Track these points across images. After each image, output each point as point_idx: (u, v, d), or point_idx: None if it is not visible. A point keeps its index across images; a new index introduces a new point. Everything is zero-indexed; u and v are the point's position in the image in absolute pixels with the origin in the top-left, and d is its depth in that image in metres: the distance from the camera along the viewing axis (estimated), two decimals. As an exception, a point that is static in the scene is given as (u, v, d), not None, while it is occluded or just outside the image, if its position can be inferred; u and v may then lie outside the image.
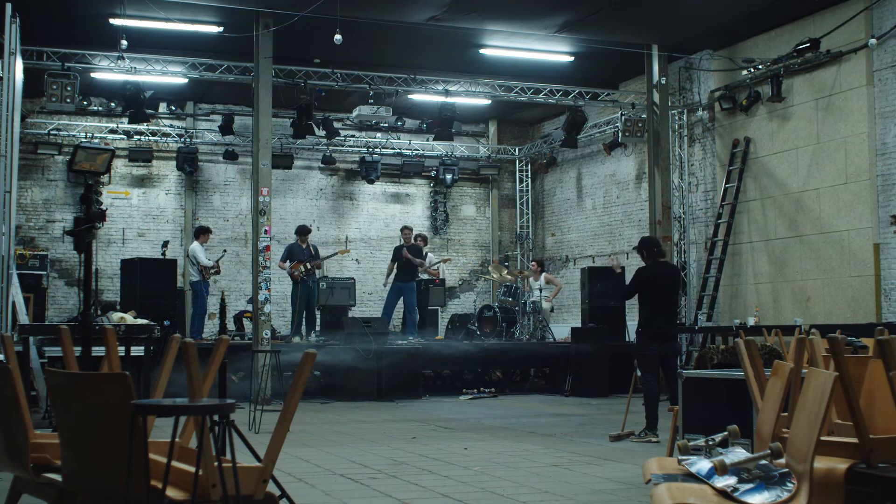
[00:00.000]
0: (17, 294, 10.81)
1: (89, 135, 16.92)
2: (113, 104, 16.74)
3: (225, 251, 16.35)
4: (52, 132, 16.90)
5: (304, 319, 15.10)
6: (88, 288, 6.09)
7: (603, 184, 18.11)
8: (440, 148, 19.13)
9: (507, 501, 5.91)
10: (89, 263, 6.00)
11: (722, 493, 3.45)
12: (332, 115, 16.97)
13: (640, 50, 14.96)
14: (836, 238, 12.83)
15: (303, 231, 15.33)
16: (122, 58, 13.59)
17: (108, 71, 14.18)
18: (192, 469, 3.60)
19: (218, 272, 15.18)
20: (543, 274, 16.58)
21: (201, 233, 15.18)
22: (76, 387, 3.70)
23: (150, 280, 13.63)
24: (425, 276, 15.91)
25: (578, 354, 14.30)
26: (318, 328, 15.31)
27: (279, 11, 12.97)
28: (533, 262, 17.07)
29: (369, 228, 19.20)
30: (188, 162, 17.39)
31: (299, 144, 17.98)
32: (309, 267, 14.84)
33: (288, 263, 14.91)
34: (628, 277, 16.05)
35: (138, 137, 17.42)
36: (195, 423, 3.91)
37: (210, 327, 16.48)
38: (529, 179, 20.25)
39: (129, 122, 15.20)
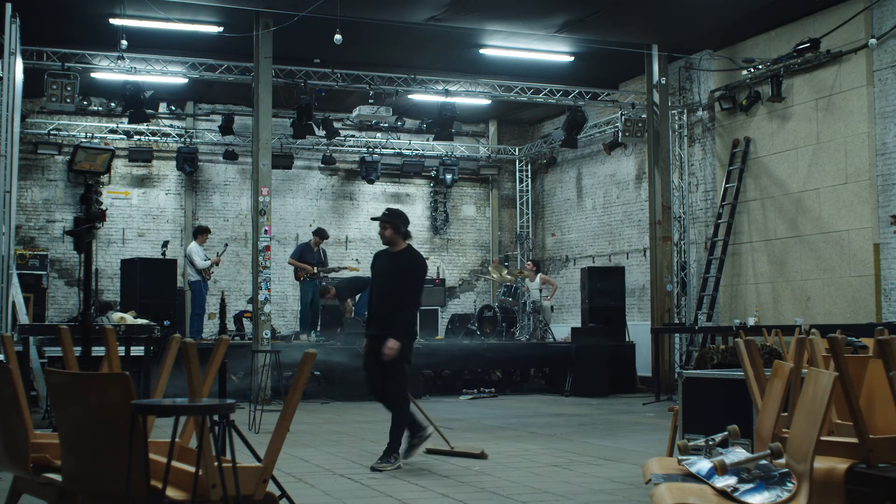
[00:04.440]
0: (17, 294, 10.81)
1: (89, 135, 16.92)
2: (113, 104, 16.73)
3: (226, 245, 16.39)
4: (52, 132, 16.90)
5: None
6: (88, 288, 6.09)
7: (603, 184, 18.11)
8: (440, 148, 19.12)
9: (507, 501, 5.91)
10: (89, 263, 6.00)
11: (722, 493, 3.45)
12: (332, 115, 16.97)
13: (640, 50, 14.96)
14: (836, 238, 12.83)
15: (321, 234, 15.45)
16: (122, 58, 13.58)
17: (108, 71, 14.18)
18: (192, 469, 3.60)
19: (217, 263, 15.22)
20: (539, 275, 16.61)
21: (199, 233, 15.20)
22: (76, 387, 3.70)
23: (150, 280, 13.63)
24: None
25: (578, 354, 14.31)
26: (318, 328, 15.32)
27: (279, 11, 12.97)
28: (528, 262, 17.08)
29: (369, 228, 19.18)
30: (188, 162, 17.39)
31: (299, 144, 17.99)
32: (316, 272, 15.03)
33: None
34: (628, 278, 16.25)
35: (138, 137, 17.41)
36: (195, 423, 3.91)
37: (210, 327, 16.48)
38: (529, 179, 20.25)
39: (129, 122, 15.19)
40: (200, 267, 14.79)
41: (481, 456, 7.68)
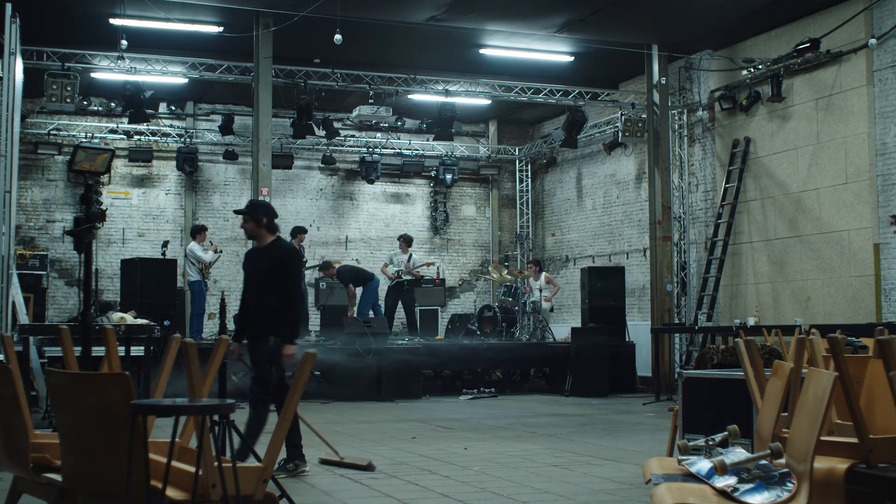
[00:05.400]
0: (17, 294, 10.82)
1: (89, 135, 16.92)
2: (113, 104, 16.74)
3: (221, 251, 16.23)
4: (52, 132, 16.89)
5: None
6: (88, 288, 6.09)
7: (603, 184, 18.11)
8: (440, 148, 19.13)
9: (507, 501, 5.91)
10: (89, 263, 6.00)
11: (722, 493, 3.45)
12: (332, 115, 16.97)
13: (640, 50, 14.96)
14: (836, 238, 12.83)
15: (303, 231, 15.55)
16: (122, 58, 13.59)
17: (108, 71, 14.18)
18: (192, 469, 3.60)
19: (216, 250, 15.26)
20: (543, 274, 16.62)
21: (197, 232, 15.23)
22: (76, 387, 3.71)
23: (150, 280, 13.62)
24: (408, 277, 16.00)
25: (578, 354, 14.31)
26: (317, 328, 15.35)
27: (279, 11, 12.98)
28: (530, 263, 17.09)
29: (369, 228, 19.20)
30: (188, 162, 17.40)
31: (299, 144, 17.99)
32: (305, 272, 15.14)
33: None
34: (628, 278, 16.25)
35: (138, 137, 17.41)
36: (195, 423, 3.91)
37: (210, 327, 16.47)
38: (529, 179, 20.26)
39: (129, 122, 15.19)
40: (208, 260, 14.85)
41: (368, 467, 7.16)
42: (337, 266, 15.60)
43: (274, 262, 6.94)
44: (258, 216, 7.01)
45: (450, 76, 15.65)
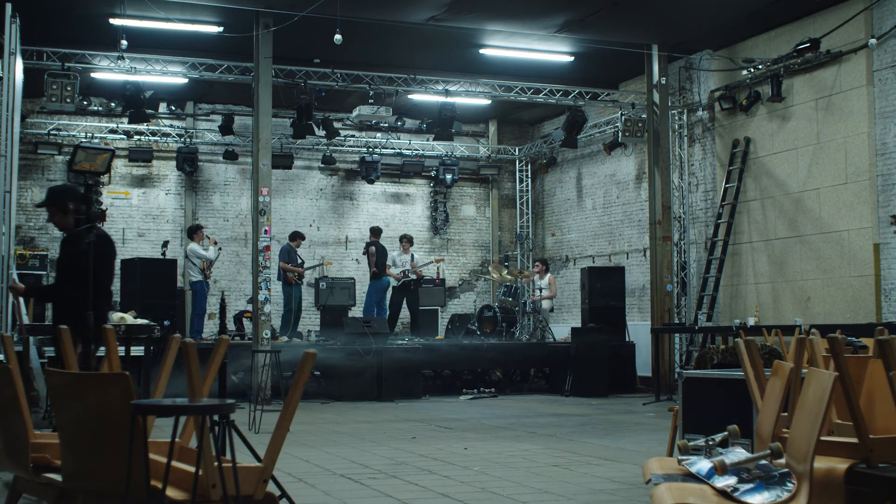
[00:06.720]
0: (17, 294, 10.80)
1: (89, 135, 16.92)
2: (113, 104, 16.74)
3: (220, 249, 16.21)
4: (52, 132, 16.89)
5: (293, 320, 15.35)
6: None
7: (603, 184, 18.11)
8: (440, 148, 19.12)
9: (507, 501, 5.91)
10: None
11: (722, 493, 3.45)
12: (332, 115, 16.97)
13: (640, 50, 14.95)
14: (836, 238, 12.83)
15: (301, 237, 15.79)
16: (122, 58, 13.58)
17: (108, 71, 14.18)
18: (192, 469, 3.60)
19: (215, 242, 15.39)
20: (548, 275, 16.63)
21: (194, 232, 15.26)
22: (76, 387, 3.71)
23: (150, 280, 13.63)
24: (414, 276, 16.05)
25: (578, 354, 14.31)
26: (317, 328, 15.37)
27: (279, 11, 12.97)
28: (538, 262, 17.12)
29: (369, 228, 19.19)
30: (188, 162, 17.39)
31: (299, 144, 17.99)
32: (302, 272, 15.34)
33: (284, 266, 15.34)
34: (628, 278, 16.24)
35: (138, 137, 17.41)
36: (195, 423, 3.91)
37: (210, 327, 16.47)
38: (529, 179, 20.25)
39: (129, 122, 15.19)
40: (212, 257, 14.95)
41: None
42: (379, 242, 16.03)
43: (84, 249, 6.04)
44: (63, 204, 6.35)
45: (450, 76, 15.65)
